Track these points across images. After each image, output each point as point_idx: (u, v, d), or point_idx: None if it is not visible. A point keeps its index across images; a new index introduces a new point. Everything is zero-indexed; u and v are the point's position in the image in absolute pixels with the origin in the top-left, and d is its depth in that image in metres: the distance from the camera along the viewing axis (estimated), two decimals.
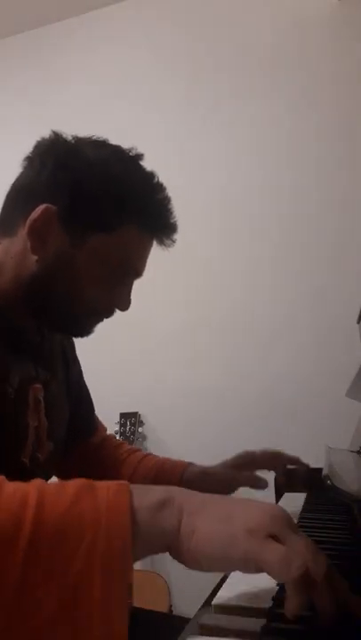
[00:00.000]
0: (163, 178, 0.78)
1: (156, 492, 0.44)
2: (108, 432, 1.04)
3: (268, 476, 1.13)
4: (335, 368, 1.77)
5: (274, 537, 0.41)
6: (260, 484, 0.91)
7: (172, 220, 0.75)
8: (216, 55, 2.20)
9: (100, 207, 0.69)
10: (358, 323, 1.32)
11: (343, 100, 1.98)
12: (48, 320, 0.75)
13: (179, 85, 2.25)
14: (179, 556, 0.43)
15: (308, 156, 2.01)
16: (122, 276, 0.74)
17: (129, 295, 0.77)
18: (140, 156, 0.74)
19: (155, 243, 0.76)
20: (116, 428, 1.93)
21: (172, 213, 0.75)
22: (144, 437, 2.02)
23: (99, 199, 0.69)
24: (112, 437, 1.04)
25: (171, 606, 1.79)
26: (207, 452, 1.91)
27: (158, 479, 0.92)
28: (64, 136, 0.72)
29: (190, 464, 0.95)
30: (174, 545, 0.42)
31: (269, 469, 0.96)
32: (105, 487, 0.42)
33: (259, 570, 0.41)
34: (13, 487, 0.41)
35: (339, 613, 0.39)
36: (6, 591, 0.37)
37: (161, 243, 0.76)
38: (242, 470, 0.91)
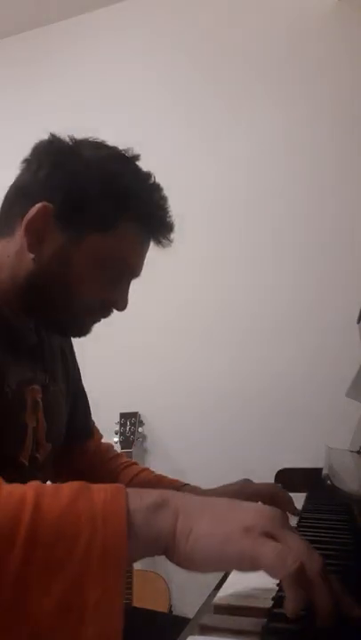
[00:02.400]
0: (162, 176, 0.78)
1: (151, 495, 0.44)
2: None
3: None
4: (335, 368, 1.77)
5: (269, 535, 0.41)
6: None
7: (168, 220, 0.75)
8: (215, 55, 2.20)
9: (97, 206, 0.69)
10: (358, 323, 1.33)
11: (343, 100, 1.98)
12: (44, 319, 0.76)
13: (178, 85, 2.25)
14: (175, 557, 0.43)
15: (308, 157, 2.01)
16: (119, 274, 0.75)
17: (126, 295, 0.77)
18: (136, 157, 0.75)
19: (152, 243, 0.76)
20: (116, 428, 1.93)
21: (168, 213, 0.75)
22: (144, 437, 2.02)
23: (95, 198, 0.69)
24: (108, 447, 1.03)
25: (171, 606, 1.79)
26: (207, 452, 1.92)
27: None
28: (61, 137, 0.73)
29: (185, 485, 0.94)
30: (170, 546, 0.42)
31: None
32: (102, 489, 0.43)
33: (255, 567, 0.41)
34: (10, 488, 0.41)
35: (337, 613, 0.39)
36: (5, 591, 0.37)
37: (158, 242, 0.76)
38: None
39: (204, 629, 0.44)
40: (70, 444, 0.90)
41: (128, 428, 1.94)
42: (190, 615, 0.51)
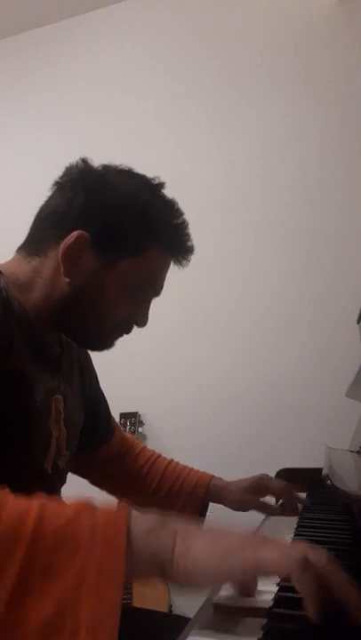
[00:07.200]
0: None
1: (152, 516, 0.46)
2: None
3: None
4: (335, 368, 1.77)
5: None
6: (269, 511, 0.99)
7: (189, 244, 0.81)
8: (215, 55, 2.20)
9: (130, 233, 0.74)
10: (358, 323, 1.33)
11: (343, 99, 1.98)
12: (74, 336, 0.81)
13: (178, 85, 2.25)
14: (173, 574, 0.44)
15: (308, 156, 2.01)
16: (144, 295, 0.80)
17: (147, 313, 0.83)
18: (162, 185, 0.79)
19: (172, 264, 0.82)
20: None
21: (189, 237, 0.81)
22: (144, 437, 2.02)
23: (128, 226, 0.74)
24: (131, 441, 1.10)
25: (171, 606, 1.79)
26: (207, 452, 1.92)
27: (184, 489, 0.99)
28: (93, 165, 0.77)
29: (213, 477, 1.02)
30: (168, 565, 0.44)
31: (279, 498, 1.03)
32: (105, 507, 0.45)
33: (259, 571, 0.42)
34: (16, 500, 0.44)
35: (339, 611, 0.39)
36: (5, 593, 0.38)
37: (179, 263, 0.83)
38: (256, 493, 0.99)
39: (204, 629, 0.44)
40: (97, 446, 0.98)
41: (128, 428, 1.94)
42: (190, 615, 0.51)
